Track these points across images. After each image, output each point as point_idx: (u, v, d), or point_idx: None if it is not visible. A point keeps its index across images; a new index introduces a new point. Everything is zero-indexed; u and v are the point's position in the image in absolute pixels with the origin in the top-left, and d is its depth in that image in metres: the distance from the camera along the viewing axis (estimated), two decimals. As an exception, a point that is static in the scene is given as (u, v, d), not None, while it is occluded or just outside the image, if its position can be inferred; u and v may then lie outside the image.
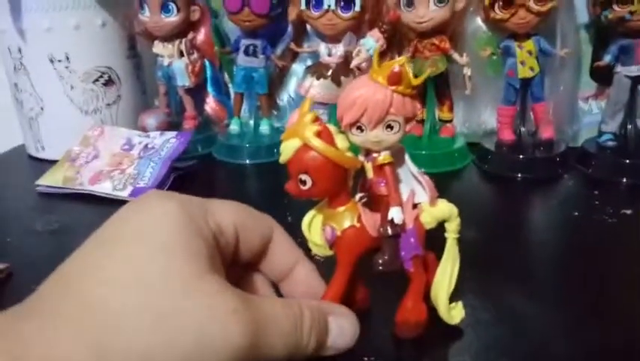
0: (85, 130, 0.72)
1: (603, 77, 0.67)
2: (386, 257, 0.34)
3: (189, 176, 0.69)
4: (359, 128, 0.33)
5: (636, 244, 0.52)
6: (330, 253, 0.34)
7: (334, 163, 0.31)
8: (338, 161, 0.31)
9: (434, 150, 0.70)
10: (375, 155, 0.34)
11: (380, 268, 0.34)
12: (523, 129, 0.70)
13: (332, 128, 0.32)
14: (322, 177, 0.31)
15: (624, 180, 0.63)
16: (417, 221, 0.35)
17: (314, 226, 0.34)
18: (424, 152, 0.70)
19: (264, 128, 0.77)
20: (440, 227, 0.36)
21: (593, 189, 0.62)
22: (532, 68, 0.65)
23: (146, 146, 0.69)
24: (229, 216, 0.29)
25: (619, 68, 0.64)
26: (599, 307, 0.41)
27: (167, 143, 0.68)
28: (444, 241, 0.36)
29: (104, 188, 0.64)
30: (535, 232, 0.57)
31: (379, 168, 0.34)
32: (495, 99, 0.70)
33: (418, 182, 0.35)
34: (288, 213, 0.55)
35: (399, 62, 0.32)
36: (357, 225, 0.33)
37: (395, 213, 0.33)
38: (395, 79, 0.31)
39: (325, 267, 0.35)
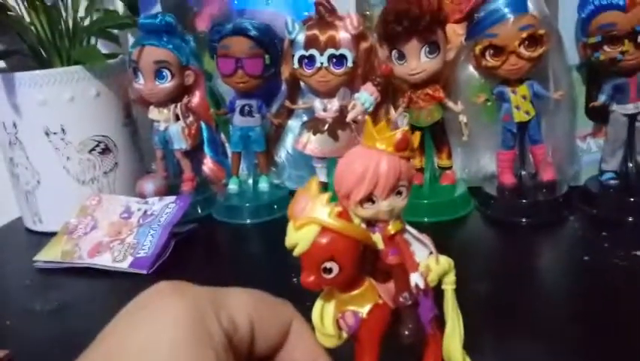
0: (82, 200, 0.71)
1: (599, 115, 0.68)
2: (411, 326, 0.32)
3: (190, 240, 0.68)
4: (369, 200, 0.31)
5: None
6: (339, 343, 0.32)
7: (358, 242, 0.30)
8: (361, 239, 0.30)
9: (436, 199, 0.70)
10: (382, 225, 0.33)
11: (408, 339, 0.32)
12: (523, 172, 0.70)
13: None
14: (350, 260, 0.29)
15: (630, 218, 0.63)
16: (426, 282, 0.34)
17: (326, 316, 0.32)
18: (425, 201, 0.69)
19: (263, 185, 0.77)
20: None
21: (600, 230, 0.61)
22: (527, 112, 0.66)
23: (145, 213, 0.68)
24: (245, 309, 0.27)
25: (614, 107, 0.65)
26: (618, 355, 0.40)
27: (166, 208, 0.68)
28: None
29: (104, 260, 0.63)
30: (546, 280, 0.56)
31: (390, 238, 0.33)
32: (493, 144, 0.70)
33: (418, 241, 0.34)
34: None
35: (403, 130, 0.31)
36: (381, 301, 0.32)
37: (418, 279, 0.32)
38: (404, 145, 0.31)
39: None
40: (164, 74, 0.72)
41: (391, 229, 0.32)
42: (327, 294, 0.32)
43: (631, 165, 0.66)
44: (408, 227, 0.34)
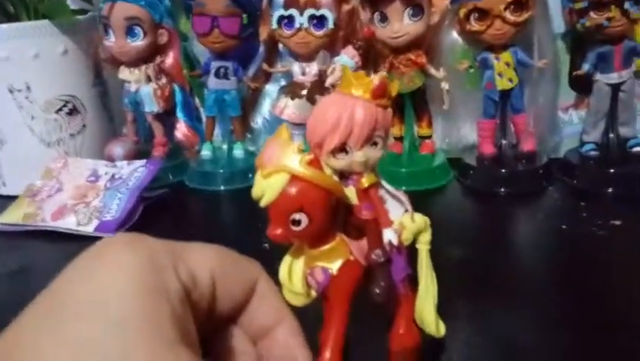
0: (47, 162, 0.68)
1: (582, 86, 0.67)
2: (382, 284, 0.31)
3: (160, 206, 0.66)
4: (343, 150, 0.30)
5: (628, 255, 0.50)
6: (307, 301, 0.31)
7: (330, 193, 0.28)
8: (334, 189, 0.28)
9: (415, 168, 0.68)
10: (355, 178, 0.31)
11: (379, 298, 0.31)
12: (504, 142, 0.69)
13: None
14: (320, 212, 0.28)
15: (609, 190, 0.62)
16: (400, 240, 0.32)
17: (295, 272, 0.31)
18: (404, 170, 0.68)
19: (238, 152, 0.74)
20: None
21: (579, 200, 0.61)
22: (510, 80, 0.64)
23: (113, 176, 0.65)
24: (206, 263, 0.25)
25: (598, 76, 0.63)
26: (594, 324, 0.39)
27: (135, 172, 0.65)
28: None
29: (68, 223, 0.60)
30: (523, 248, 0.56)
31: (364, 192, 0.31)
32: (474, 113, 0.69)
33: (393, 198, 0.33)
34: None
35: (379, 76, 0.30)
36: (352, 258, 0.31)
37: (391, 235, 0.31)
38: (381, 92, 0.29)
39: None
40: (135, 31, 0.69)
41: (365, 181, 0.31)
42: (296, 250, 0.31)
43: (612, 136, 0.65)
44: (383, 183, 0.33)
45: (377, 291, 0.31)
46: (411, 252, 0.33)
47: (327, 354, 0.30)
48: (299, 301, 0.30)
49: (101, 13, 0.69)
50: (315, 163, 0.28)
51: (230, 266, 0.26)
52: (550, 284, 0.46)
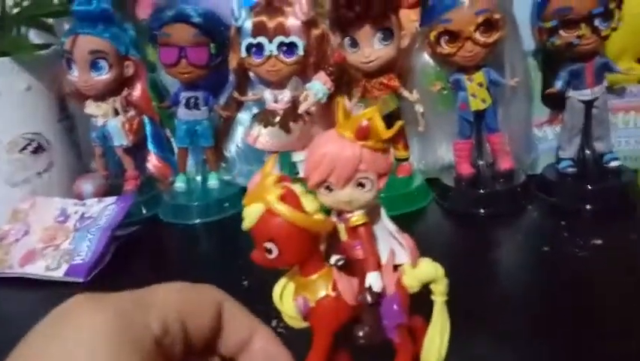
0: (14, 204, 0.66)
1: (556, 102, 0.66)
2: (367, 328, 0.31)
3: (133, 243, 0.64)
4: (327, 188, 0.30)
5: (611, 276, 0.50)
6: (306, 325, 0.32)
7: (302, 229, 0.29)
8: (306, 226, 0.29)
9: (393, 192, 0.67)
10: (347, 215, 0.31)
11: (362, 341, 0.31)
12: (481, 162, 0.68)
13: (298, 189, 0.30)
14: (289, 246, 0.29)
15: (588, 206, 0.62)
16: (399, 285, 0.32)
17: (286, 296, 0.32)
18: (382, 194, 0.66)
19: (213, 182, 0.73)
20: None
21: (559, 219, 0.60)
22: (484, 100, 0.64)
23: (82, 215, 0.63)
24: (174, 307, 0.25)
25: (571, 93, 0.63)
26: (580, 349, 0.39)
27: (105, 210, 0.63)
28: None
29: (37, 268, 0.58)
30: (505, 272, 0.55)
31: (353, 230, 0.31)
32: (450, 134, 0.68)
33: (397, 241, 0.32)
34: (243, 276, 0.52)
35: (366, 115, 0.29)
36: (333, 294, 0.31)
37: (373, 280, 0.30)
38: (363, 133, 0.29)
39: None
40: (100, 65, 0.67)
41: (354, 220, 0.31)
42: (289, 275, 0.32)
43: (588, 152, 0.65)
44: (387, 223, 0.32)
45: (360, 334, 0.31)
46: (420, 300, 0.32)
47: None
48: (295, 323, 0.32)
49: (64, 47, 0.67)
50: (288, 198, 0.29)
51: (195, 301, 0.26)
52: (532, 309, 0.45)
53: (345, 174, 0.29)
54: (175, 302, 0.25)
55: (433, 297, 0.33)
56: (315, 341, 0.31)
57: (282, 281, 0.32)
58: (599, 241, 0.54)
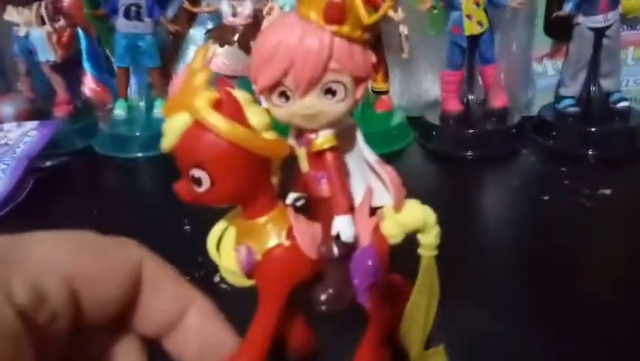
0: None
1: (561, 31, 0.58)
2: (331, 291, 0.24)
3: (59, 178, 0.55)
4: (283, 94, 0.22)
5: (624, 231, 0.42)
6: (251, 283, 0.24)
7: (244, 150, 0.21)
8: (250, 147, 0.21)
9: (369, 129, 0.58)
10: (311, 136, 0.23)
11: (323, 307, 0.24)
12: (471, 97, 0.61)
13: (241, 95, 0.22)
14: (226, 173, 0.22)
15: (590, 152, 0.55)
16: (377, 234, 0.25)
17: (225, 244, 0.25)
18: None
19: (159, 110, 0.63)
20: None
21: (559, 165, 0.54)
22: (480, 23, 0.56)
23: (-3, 142, 0.53)
24: (56, 268, 0.19)
25: (580, 19, 0.56)
26: (586, 318, 0.33)
27: (24, 136, 0.55)
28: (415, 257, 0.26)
29: None
30: (498, 224, 0.48)
31: (317, 157, 0.23)
32: (438, 63, 0.61)
33: (378, 176, 0.25)
34: (186, 220, 0.46)
35: None
36: (287, 243, 0.24)
37: (342, 226, 0.23)
38: (336, 14, 0.21)
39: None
40: (19, -41, 0.55)
41: (318, 143, 0.23)
42: (230, 216, 0.25)
43: (594, 89, 0.58)
44: (366, 151, 0.25)
45: (321, 298, 0.24)
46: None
47: None
48: (237, 281, 0.24)
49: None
50: (226, 106, 0.21)
51: (94, 261, 0.20)
52: (530, 269, 0.39)
53: (309, 74, 0.22)
54: (61, 263, 0.19)
55: (420, 251, 0.25)
56: (261, 305, 0.24)
57: (220, 225, 0.25)
58: (608, 191, 0.47)
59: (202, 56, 0.22)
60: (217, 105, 0.21)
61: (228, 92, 0.21)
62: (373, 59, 0.24)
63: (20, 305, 0.17)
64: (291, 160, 0.25)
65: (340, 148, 0.24)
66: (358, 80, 0.23)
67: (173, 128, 0.22)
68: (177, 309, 0.22)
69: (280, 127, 0.23)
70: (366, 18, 0.22)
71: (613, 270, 0.38)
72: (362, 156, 0.25)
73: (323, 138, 0.23)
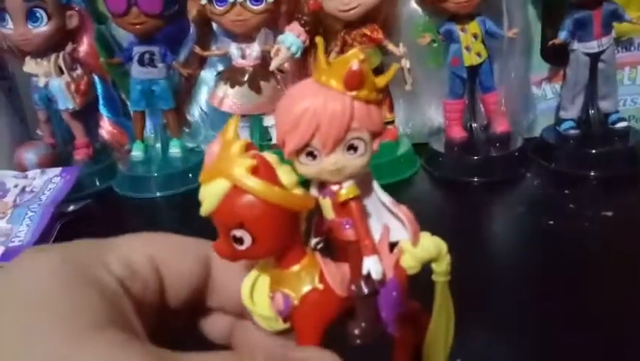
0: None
1: (557, 56, 0.60)
2: (364, 325, 0.25)
3: (82, 220, 0.56)
4: (310, 154, 0.24)
5: (626, 252, 0.44)
6: (285, 326, 0.25)
7: (280, 208, 0.23)
8: (285, 204, 0.23)
9: (377, 159, 0.58)
10: (334, 188, 0.25)
11: (358, 340, 0.25)
12: (474, 125, 0.62)
13: (271, 158, 0.23)
14: (266, 231, 0.23)
15: (593, 173, 0.56)
16: (397, 268, 0.26)
17: (258, 292, 0.26)
18: (365, 161, 0.60)
19: (174, 150, 0.65)
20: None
21: (562, 187, 0.54)
22: (479, 54, 0.57)
23: (23, 189, 0.56)
24: (142, 249, 0.23)
25: (575, 45, 0.57)
26: (591, 341, 0.34)
27: (49, 183, 0.56)
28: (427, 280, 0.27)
29: (-34, 253, 0.50)
30: (505, 249, 0.49)
31: (342, 206, 0.25)
32: (440, 93, 0.62)
33: (392, 215, 0.26)
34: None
35: (355, 56, 0.23)
36: (320, 286, 0.25)
37: (372, 265, 0.24)
38: (355, 81, 0.23)
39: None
40: (37, 15, 0.59)
41: (343, 194, 0.24)
42: (261, 266, 0.26)
43: (592, 112, 0.59)
44: (380, 194, 0.26)
45: (355, 332, 0.25)
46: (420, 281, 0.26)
47: None
48: (271, 325, 0.25)
49: (-5, -4, 0.58)
50: (262, 171, 0.22)
51: (174, 249, 0.24)
52: (538, 290, 0.40)
53: (334, 135, 0.23)
54: (146, 247, 0.23)
55: (434, 277, 0.27)
56: (303, 344, 0.25)
57: (253, 274, 0.26)
58: (610, 213, 0.48)
59: (234, 126, 0.24)
60: (255, 170, 0.22)
61: (262, 157, 0.23)
62: (386, 115, 0.26)
63: (117, 275, 0.21)
64: (314, 208, 0.27)
65: (360, 195, 0.26)
66: (375, 135, 0.25)
67: (213, 193, 0.23)
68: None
69: (303, 180, 0.25)
70: (379, 82, 0.24)
71: (623, 289, 0.39)
72: (377, 198, 0.27)
73: (347, 189, 0.25)
